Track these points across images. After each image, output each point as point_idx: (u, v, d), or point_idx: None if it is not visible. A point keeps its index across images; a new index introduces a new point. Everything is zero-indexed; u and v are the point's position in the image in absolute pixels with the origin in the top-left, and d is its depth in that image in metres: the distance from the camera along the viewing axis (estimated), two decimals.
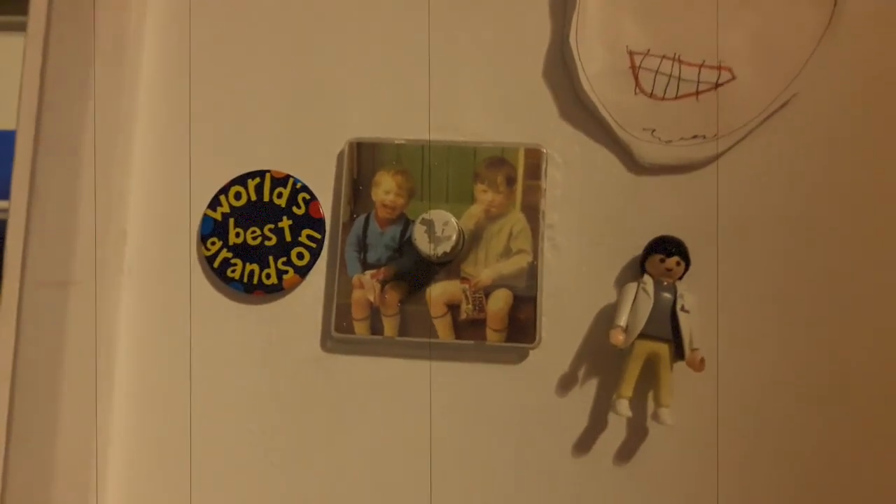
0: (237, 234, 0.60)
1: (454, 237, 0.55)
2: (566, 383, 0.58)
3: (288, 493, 0.59)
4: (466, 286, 0.57)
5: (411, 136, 0.60)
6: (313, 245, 0.60)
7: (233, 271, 0.60)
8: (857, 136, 0.58)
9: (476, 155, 0.59)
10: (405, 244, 0.58)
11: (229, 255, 0.60)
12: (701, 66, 0.58)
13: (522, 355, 0.58)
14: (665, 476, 0.57)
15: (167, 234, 0.61)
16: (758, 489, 0.57)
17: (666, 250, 0.55)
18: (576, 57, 0.59)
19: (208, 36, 0.63)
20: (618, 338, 0.53)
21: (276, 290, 0.60)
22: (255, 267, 0.60)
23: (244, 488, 0.59)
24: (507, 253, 0.57)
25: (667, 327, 0.53)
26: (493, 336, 0.57)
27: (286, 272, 0.60)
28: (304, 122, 0.61)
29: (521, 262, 0.57)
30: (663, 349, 0.53)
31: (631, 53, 0.59)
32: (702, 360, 0.53)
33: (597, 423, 0.57)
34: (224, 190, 0.61)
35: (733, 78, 0.58)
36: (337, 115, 0.61)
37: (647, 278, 0.55)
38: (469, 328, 0.57)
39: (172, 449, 0.60)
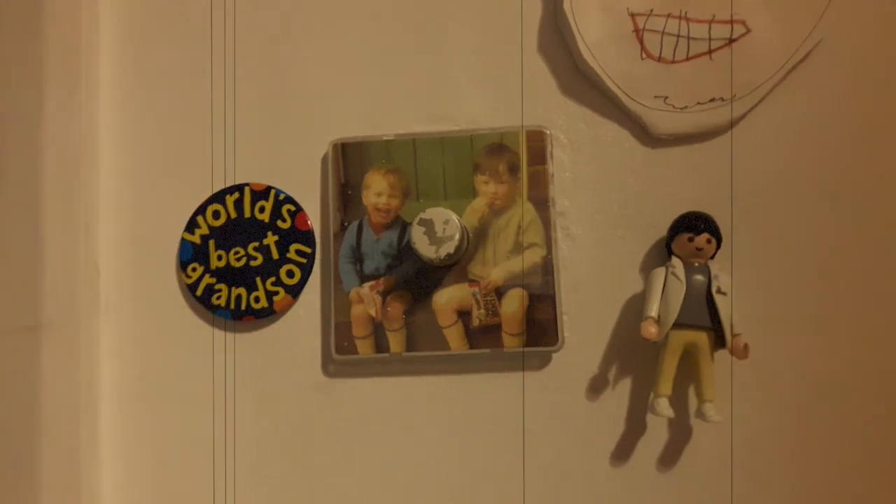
0: (219, 257, 0.58)
1: (457, 236, 0.53)
2: (596, 386, 0.56)
3: None
4: (476, 289, 0.55)
5: (400, 131, 0.57)
6: (303, 260, 0.58)
7: (218, 298, 0.58)
8: (891, 83, 0.55)
9: (473, 144, 0.56)
10: (404, 249, 0.56)
11: (212, 280, 0.58)
12: (711, 21, 0.55)
13: (545, 360, 0.56)
14: (716, 478, 0.54)
15: (143, 263, 0.59)
16: (818, 485, 0.54)
17: (693, 227, 0.52)
18: (572, 25, 0.56)
19: (167, 45, 0.61)
20: (650, 330, 0.51)
21: (268, 314, 0.57)
22: (242, 291, 0.57)
23: None
24: (517, 248, 0.55)
25: (703, 313, 0.51)
26: (510, 342, 0.54)
27: (276, 293, 0.57)
28: (281, 127, 0.59)
29: (533, 256, 0.55)
30: (702, 338, 0.51)
31: (633, 15, 0.56)
32: (746, 347, 0.50)
33: (635, 427, 0.55)
34: (201, 210, 0.59)
35: (748, 31, 0.55)
36: (316, 116, 0.59)
37: (675, 261, 0.52)
38: (483, 335, 0.55)
39: (168, 500, 0.57)
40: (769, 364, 0.54)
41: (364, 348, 0.55)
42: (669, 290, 0.51)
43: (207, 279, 0.58)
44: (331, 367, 0.57)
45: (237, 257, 0.58)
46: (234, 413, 0.57)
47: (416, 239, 0.53)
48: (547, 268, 0.55)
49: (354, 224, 0.57)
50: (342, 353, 0.56)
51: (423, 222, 0.53)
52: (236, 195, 0.58)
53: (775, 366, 0.54)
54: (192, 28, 0.60)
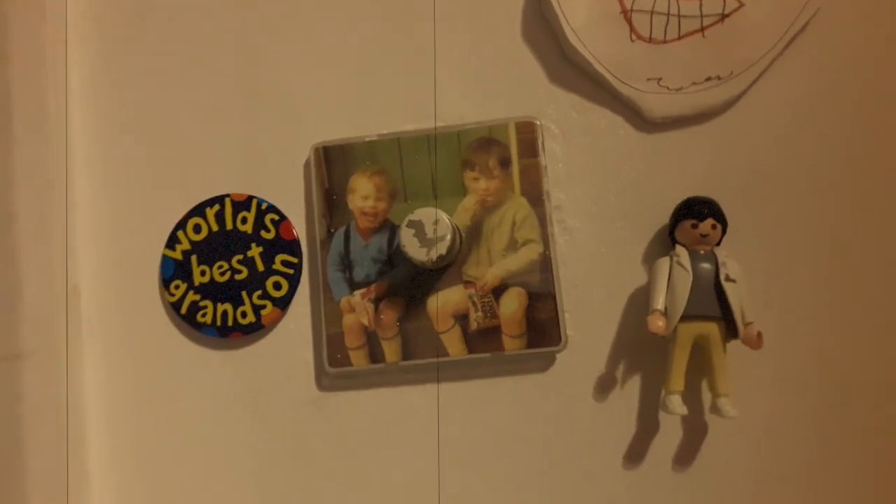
0: (202, 273, 0.57)
1: (449, 237, 0.51)
2: (604, 386, 0.54)
3: None
4: (472, 291, 0.54)
5: (384, 130, 0.56)
6: (290, 271, 0.56)
7: (203, 315, 0.56)
8: (894, 49, 0.54)
9: (460, 139, 0.55)
10: (395, 254, 0.54)
11: (197, 297, 0.57)
12: None
13: (549, 361, 0.55)
14: (736, 476, 0.53)
15: (124, 283, 0.58)
16: (847, 477, 0.52)
17: (697, 213, 0.51)
18: (557, 10, 0.55)
19: (135, 54, 0.60)
20: (657, 324, 0.49)
21: (256, 329, 0.56)
22: (228, 306, 0.56)
23: None
24: (512, 246, 0.54)
25: (713, 303, 0.49)
26: (511, 344, 0.53)
27: (264, 307, 0.56)
28: (259, 134, 0.58)
29: (530, 253, 0.54)
30: (712, 329, 0.50)
31: None
32: (759, 335, 0.49)
33: (647, 426, 0.54)
34: (181, 224, 0.58)
35: (741, 5, 0.53)
36: (296, 120, 0.58)
37: (679, 250, 0.51)
38: (482, 339, 0.54)
39: None
40: (785, 352, 0.52)
41: (358, 359, 0.54)
42: (675, 280, 0.50)
43: (191, 296, 0.56)
44: (324, 380, 0.56)
45: (221, 272, 0.56)
46: (227, 434, 0.56)
47: (406, 242, 0.51)
48: (545, 264, 0.53)
49: (341, 230, 0.55)
50: (336, 365, 0.54)
51: (412, 224, 0.52)
52: (217, 207, 0.57)
53: (793, 353, 0.53)
54: (162, 33, 0.60)
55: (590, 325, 0.54)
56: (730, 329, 0.50)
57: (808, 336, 0.53)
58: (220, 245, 0.56)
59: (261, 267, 0.56)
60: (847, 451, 0.52)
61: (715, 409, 0.49)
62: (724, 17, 0.53)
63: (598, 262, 0.55)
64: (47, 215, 0.56)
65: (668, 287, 0.50)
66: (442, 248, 0.51)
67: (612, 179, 0.55)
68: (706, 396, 0.52)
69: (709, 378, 0.50)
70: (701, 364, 0.50)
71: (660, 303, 0.50)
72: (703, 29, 0.53)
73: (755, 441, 0.52)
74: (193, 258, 0.57)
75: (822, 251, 0.53)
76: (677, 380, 0.50)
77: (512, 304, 0.53)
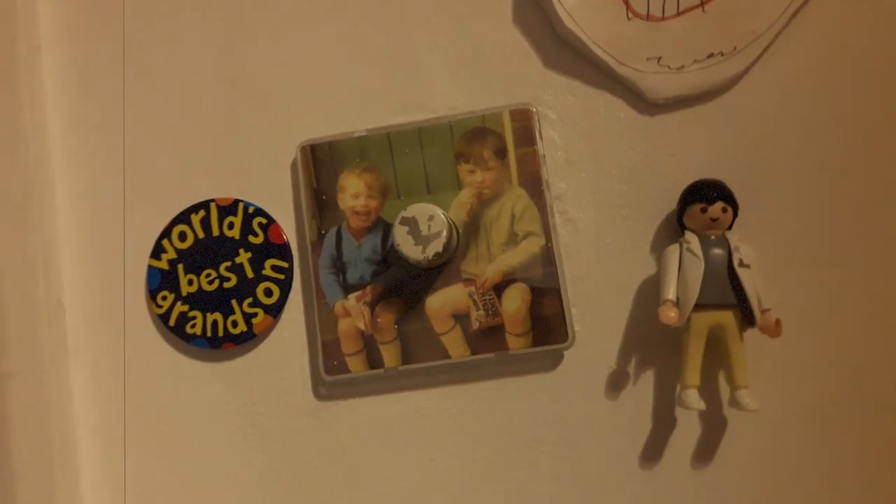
0: (190, 282, 0.56)
1: (444, 233, 0.51)
2: (615, 383, 0.53)
3: None
4: (472, 289, 0.53)
5: (372, 125, 0.56)
6: (281, 276, 0.55)
7: (193, 326, 0.55)
8: None
9: (453, 131, 0.54)
10: (389, 253, 0.54)
11: (185, 307, 0.56)
12: None
13: (556, 359, 0.54)
14: (758, 471, 0.52)
15: (110, 297, 0.57)
16: (876, 468, 0.50)
17: (706, 197, 0.50)
18: None
19: (111, 60, 0.59)
20: (669, 315, 0.48)
21: (248, 339, 0.55)
22: (218, 316, 0.55)
23: None
24: (512, 239, 0.53)
25: (727, 291, 0.48)
26: (515, 342, 0.52)
27: (255, 315, 0.55)
28: (243, 135, 0.58)
29: (531, 247, 0.53)
30: (728, 318, 0.49)
31: None
32: (778, 322, 0.48)
33: (663, 423, 0.53)
34: (165, 233, 0.57)
35: None
36: (280, 119, 0.57)
37: (689, 236, 0.50)
38: (485, 339, 0.53)
39: None
40: (805, 340, 0.51)
41: (356, 366, 0.53)
42: (686, 268, 0.49)
43: (180, 307, 0.55)
44: (322, 389, 0.55)
45: (209, 280, 0.55)
46: (222, 450, 0.55)
47: (400, 240, 0.51)
48: (548, 257, 0.52)
49: (332, 231, 0.54)
50: (332, 372, 0.53)
51: (405, 221, 0.51)
52: (202, 213, 0.56)
53: (814, 341, 0.51)
54: (138, 36, 0.59)
55: (598, 320, 0.53)
56: (746, 317, 0.48)
57: (829, 322, 0.51)
58: (207, 252, 0.56)
59: (250, 273, 0.55)
60: (872, 444, 0.50)
61: (734, 402, 0.48)
62: None
63: (604, 253, 0.54)
64: (27, 229, 0.55)
65: (678, 276, 0.49)
66: (438, 246, 0.50)
67: (615, 166, 0.54)
68: (724, 390, 0.51)
69: (726, 370, 0.49)
70: (717, 355, 0.49)
71: (671, 293, 0.49)
72: (702, 4, 0.53)
73: (778, 435, 0.51)
74: (180, 267, 0.56)
75: (838, 232, 0.52)
76: (693, 373, 0.49)
77: (515, 301, 0.52)
